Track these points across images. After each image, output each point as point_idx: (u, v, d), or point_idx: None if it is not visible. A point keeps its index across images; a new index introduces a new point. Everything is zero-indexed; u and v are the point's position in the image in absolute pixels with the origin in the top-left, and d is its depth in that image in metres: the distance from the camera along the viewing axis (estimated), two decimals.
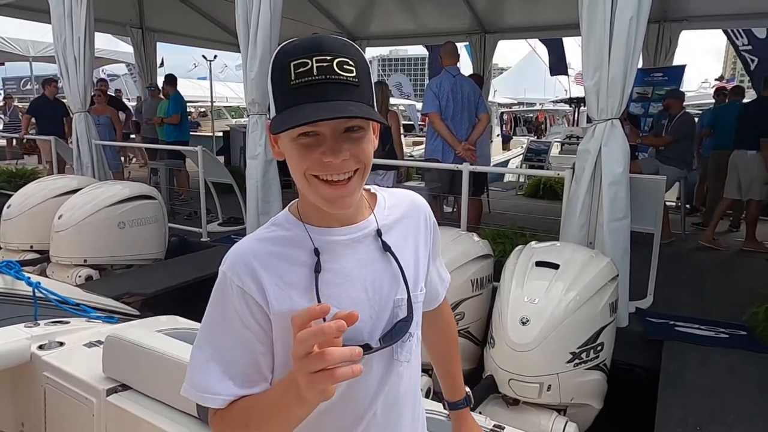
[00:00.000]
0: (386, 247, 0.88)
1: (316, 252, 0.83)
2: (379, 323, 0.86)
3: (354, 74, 0.75)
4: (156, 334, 1.72)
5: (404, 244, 0.92)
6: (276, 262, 0.83)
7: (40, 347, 1.90)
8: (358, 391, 0.86)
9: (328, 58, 0.74)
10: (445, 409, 1.25)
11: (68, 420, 1.76)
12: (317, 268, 0.82)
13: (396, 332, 0.86)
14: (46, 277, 4.02)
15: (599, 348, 2.62)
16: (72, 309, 2.27)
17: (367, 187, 0.94)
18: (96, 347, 1.91)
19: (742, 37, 8.21)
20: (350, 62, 0.75)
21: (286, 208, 0.90)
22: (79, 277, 4.33)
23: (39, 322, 2.05)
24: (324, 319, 0.69)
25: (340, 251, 0.85)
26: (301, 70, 0.74)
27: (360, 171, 0.80)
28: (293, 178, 0.82)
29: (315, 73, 0.73)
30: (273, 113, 0.79)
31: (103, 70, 16.25)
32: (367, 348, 0.81)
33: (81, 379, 1.73)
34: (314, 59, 0.73)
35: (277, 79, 0.77)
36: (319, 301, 0.79)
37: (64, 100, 8.21)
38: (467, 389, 1.22)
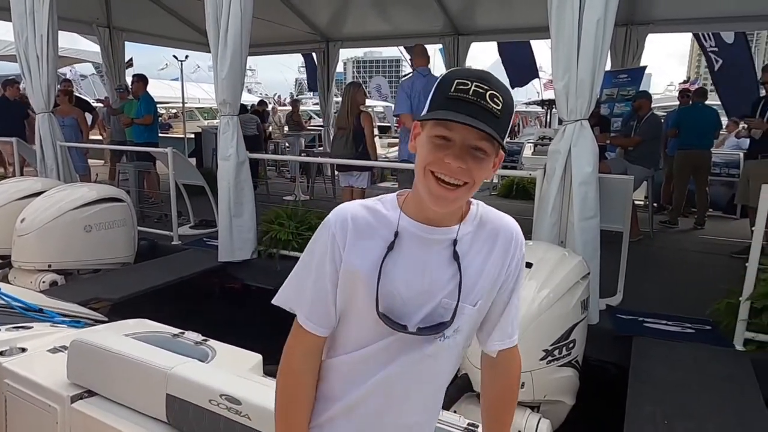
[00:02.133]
0: (456, 256, 1.00)
1: (396, 234, 0.99)
2: (419, 311, 0.99)
3: (499, 108, 0.89)
4: (124, 338, 1.68)
5: (474, 260, 1.02)
6: (364, 228, 1.00)
7: (1, 354, 1.83)
8: (376, 356, 1.01)
9: (485, 87, 0.89)
10: None
11: (31, 429, 1.71)
12: (391, 246, 0.98)
13: (433, 328, 0.99)
14: (8, 283, 3.89)
15: (571, 345, 2.66)
16: (34, 314, 2.20)
17: (474, 201, 1.06)
18: (60, 353, 1.85)
19: (710, 39, 8.50)
20: (500, 99, 0.89)
21: (396, 192, 1.05)
22: (43, 282, 4.19)
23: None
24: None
25: (416, 243, 0.99)
26: (462, 87, 0.89)
27: (468, 185, 0.93)
28: (415, 168, 0.96)
29: (470, 93, 0.88)
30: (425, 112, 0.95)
31: (71, 69, 15.82)
32: (403, 328, 0.98)
33: (44, 386, 1.68)
34: (474, 84, 0.89)
35: (439, 89, 0.92)
36: (380, 273, 0.96)
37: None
38: None
